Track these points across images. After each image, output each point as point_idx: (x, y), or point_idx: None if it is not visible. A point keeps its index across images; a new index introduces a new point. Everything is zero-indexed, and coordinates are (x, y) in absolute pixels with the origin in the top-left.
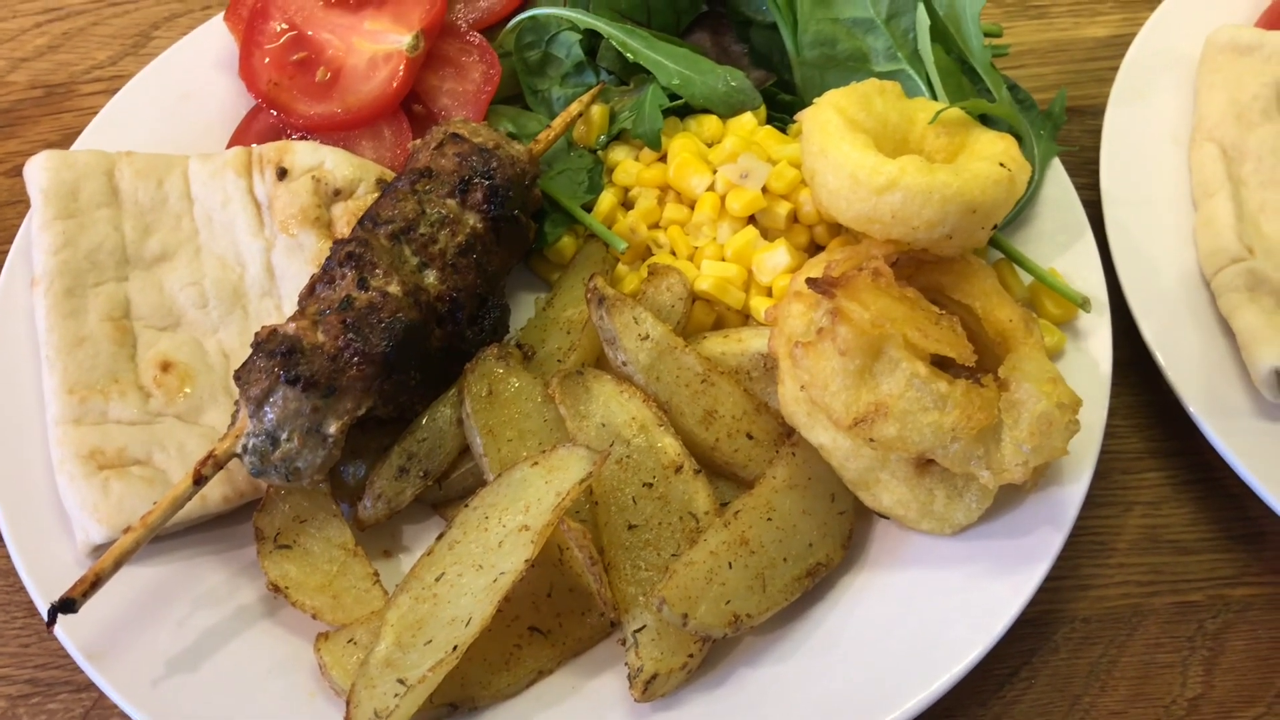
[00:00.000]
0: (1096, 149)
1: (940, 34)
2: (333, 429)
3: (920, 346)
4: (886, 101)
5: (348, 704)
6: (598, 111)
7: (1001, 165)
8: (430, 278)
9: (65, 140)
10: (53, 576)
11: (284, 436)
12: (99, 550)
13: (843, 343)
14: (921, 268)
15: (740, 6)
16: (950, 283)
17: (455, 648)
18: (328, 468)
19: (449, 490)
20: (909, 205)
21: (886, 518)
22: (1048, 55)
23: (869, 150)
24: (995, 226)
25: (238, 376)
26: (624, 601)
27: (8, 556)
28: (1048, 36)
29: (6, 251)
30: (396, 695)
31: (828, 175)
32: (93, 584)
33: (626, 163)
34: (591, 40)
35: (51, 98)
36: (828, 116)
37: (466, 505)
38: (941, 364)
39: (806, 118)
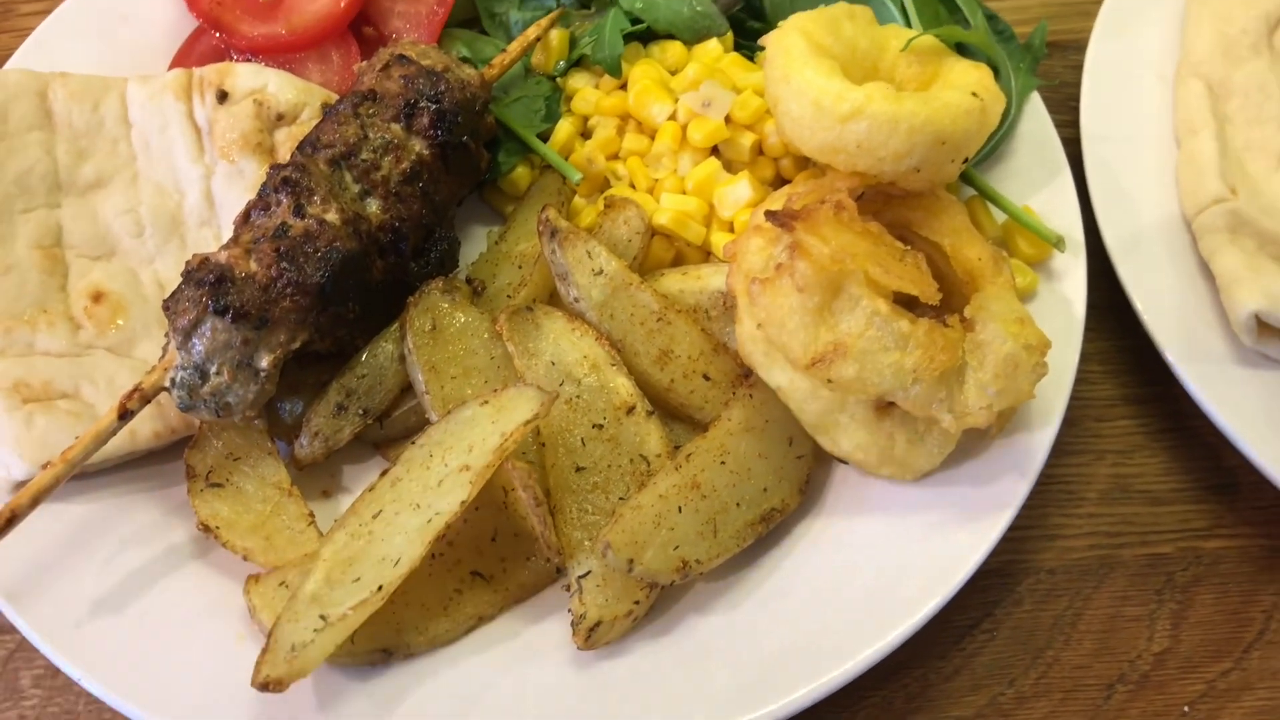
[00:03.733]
0: (1077, 84)
1: None
2: (265, 362)
3: (882, 284)
4: (856, 27)
5: (268, 636)
6: (557, 36)
7: (974, 95)
8: (372, 206)
9: None
10: None
11: (213, 369)
12: (20, 487)
13: (801, 279)
14: (889, 202)
15: None
16: (918, 219)
17: (380, 587)
18: (260, 403)
19: (390, 429)
20: (875, 135)
21: (845, 463)
22: None
23: (834, 76)
24: (967, 160)
25: (166, 307)
26: (569, 546)
27: None
28: None
29: None
30: (315, 630)
31: (791, 102)
32: (8, 520)
33: (585, 90)
34: None
35: None
36: (792, 40)
37: (413, 443)
38: (908, 304)
39: (771, 42)
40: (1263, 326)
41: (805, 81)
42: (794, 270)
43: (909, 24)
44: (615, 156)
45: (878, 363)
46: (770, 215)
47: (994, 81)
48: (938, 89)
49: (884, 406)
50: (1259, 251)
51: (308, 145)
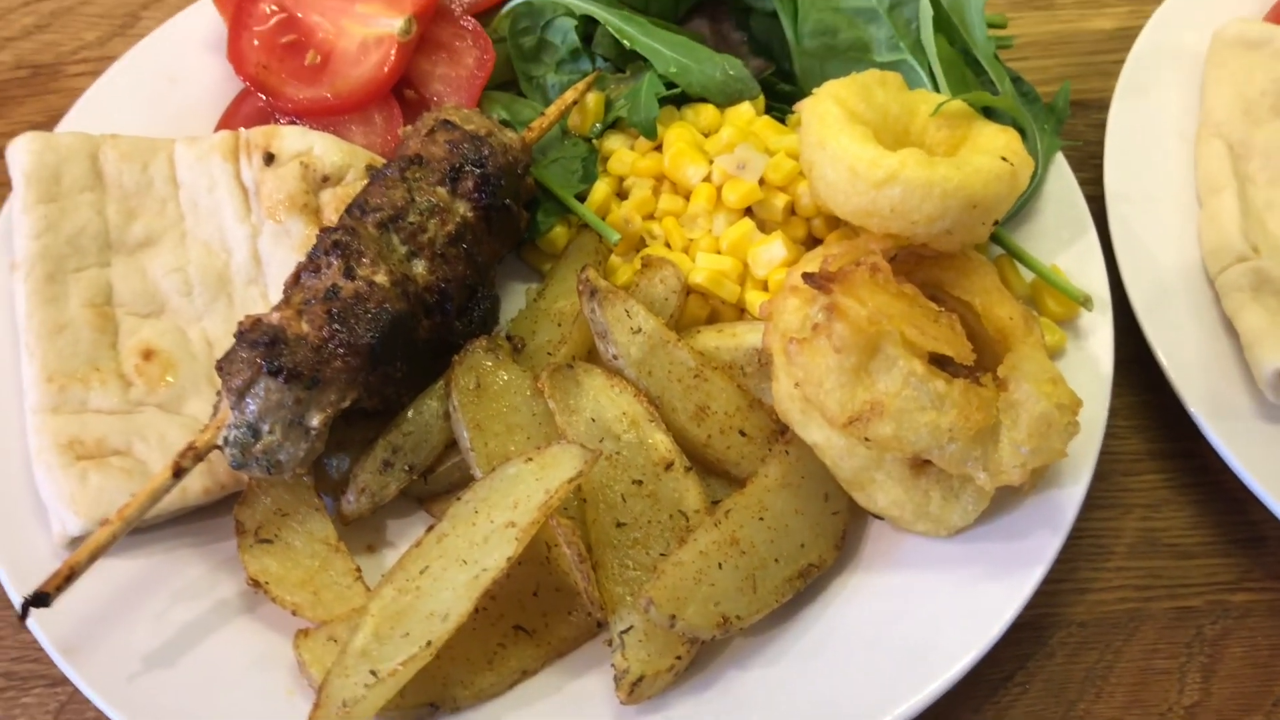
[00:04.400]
0: (1100, 144)
1: (943, 24)
2: (316, 421)
3: (918, 344)
4: (887, 93)
5: (318, 691)
6: (593, 99)
7: (1004, 159)
8: (419, 267)
9: (51, 122)
10: (28, 568)
11: (266, 428)
12: (76, 542)
13: (838, 339)
14: (921, 263)
15: None
16: (950, 279)
17: (429, 643)
18: (310, 460)
19: (434, 485)
20: (909, 199)
21: (881, 518)
22: (1052, 47)
23: (868, 142)
24: (997, 222)
25: (220, 367)
26: (611, 601)
27: None
28: (1053, 28)
29: None
30: (366, 686)
31: (826, 167)
32: (67, 578)
33: (621, 152)
34: (587, 26)
35: (38, 78)
36: (827, 107)
37: (458, 499)
38: (939, 362)
39: (805, 108)
40: None
41: (841, 148)
42: (831, 331)
43: (937, 89)
44: (651, 216)
45: (914, 422)
46: (807, 277)
47: (1022, 145)
48: (967, 153)
49: (919, 464)
50: None
51: (356, 208)
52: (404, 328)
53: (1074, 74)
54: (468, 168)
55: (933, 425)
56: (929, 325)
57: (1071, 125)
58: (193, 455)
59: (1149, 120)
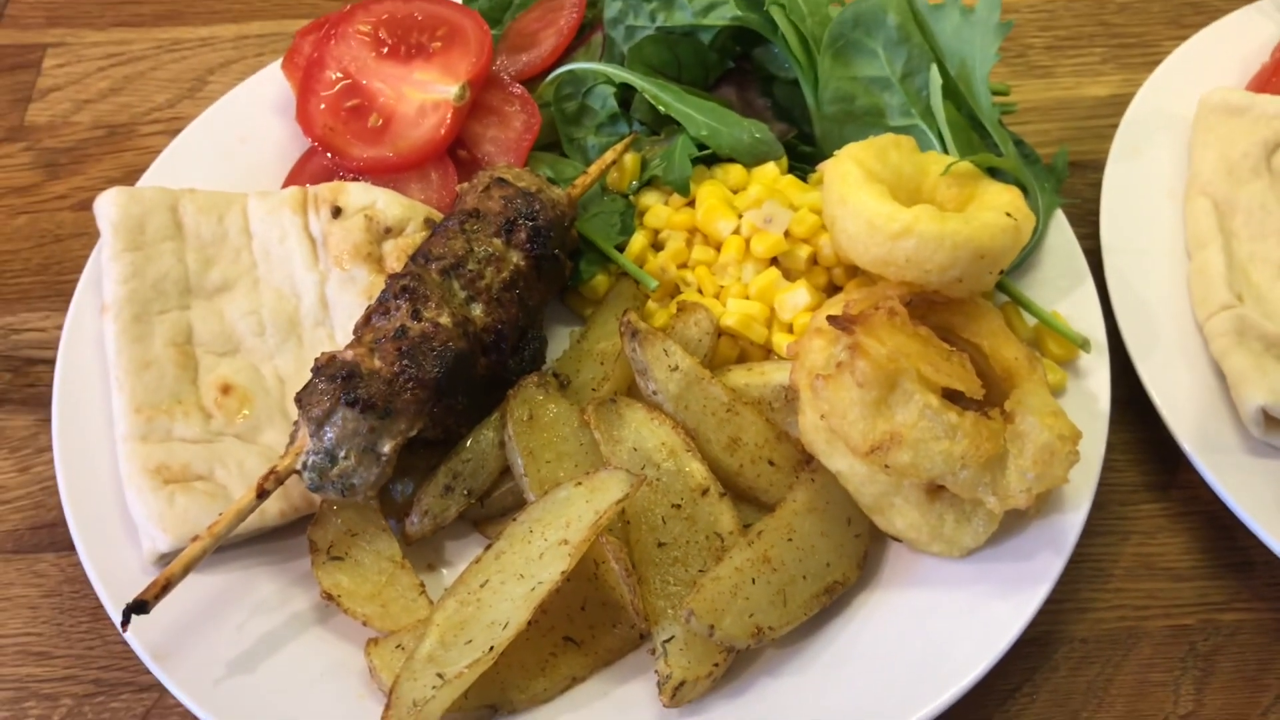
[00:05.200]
0: (1097, 201)
1: (951, 92)
2: (387, 448)
3: (932, 380)
4: (901, 154)
5: (389, 693)
6: (630, 159)
7: (1008, 215)
8: (477, 310)
9: (126, 177)
10: (121, 583)
11: (342, 454)
12: (164, 559)
13: (861, 375)
14: (933, 308)
15: (765, 63)
16: (960, 322)
17: (492, 648)
18: (380, 484)
19: (490, 508)
20: (922, 250)
21: (899, 540)
22: (1051, 113)
23: (885, 199)
24: (1002, 271)
25: (299, 399)
26: (653, 614)
27: (75, 564)
28: (1052, 95)
29: (75, 280)
30: (434, 688)
31: (847, 221)
32: (164, 588)
33: (657, 207)
34: (625, 93)
35: (113, 137)
36: (847, 168)
37: (514, 519)
38: (952, 397)
39: (827, 168)
40: (1270, 420)
41: (860, 204)
42: (854, 368)
43: (947, 151)
44: (685, 266)
45: (930, 450)
46: (832, 320)
47: (1024, 202)
48: (975, 209)
49: (934, 490)
50: (1265, 353)
51: (421, 257)
52: (465, 364)
53: (1072, 137)
54: (520, 220)
55: (946, 453)
56: (942, 363)
57: (1070, 184)
58: (274, 479)
59: (1141, 180)
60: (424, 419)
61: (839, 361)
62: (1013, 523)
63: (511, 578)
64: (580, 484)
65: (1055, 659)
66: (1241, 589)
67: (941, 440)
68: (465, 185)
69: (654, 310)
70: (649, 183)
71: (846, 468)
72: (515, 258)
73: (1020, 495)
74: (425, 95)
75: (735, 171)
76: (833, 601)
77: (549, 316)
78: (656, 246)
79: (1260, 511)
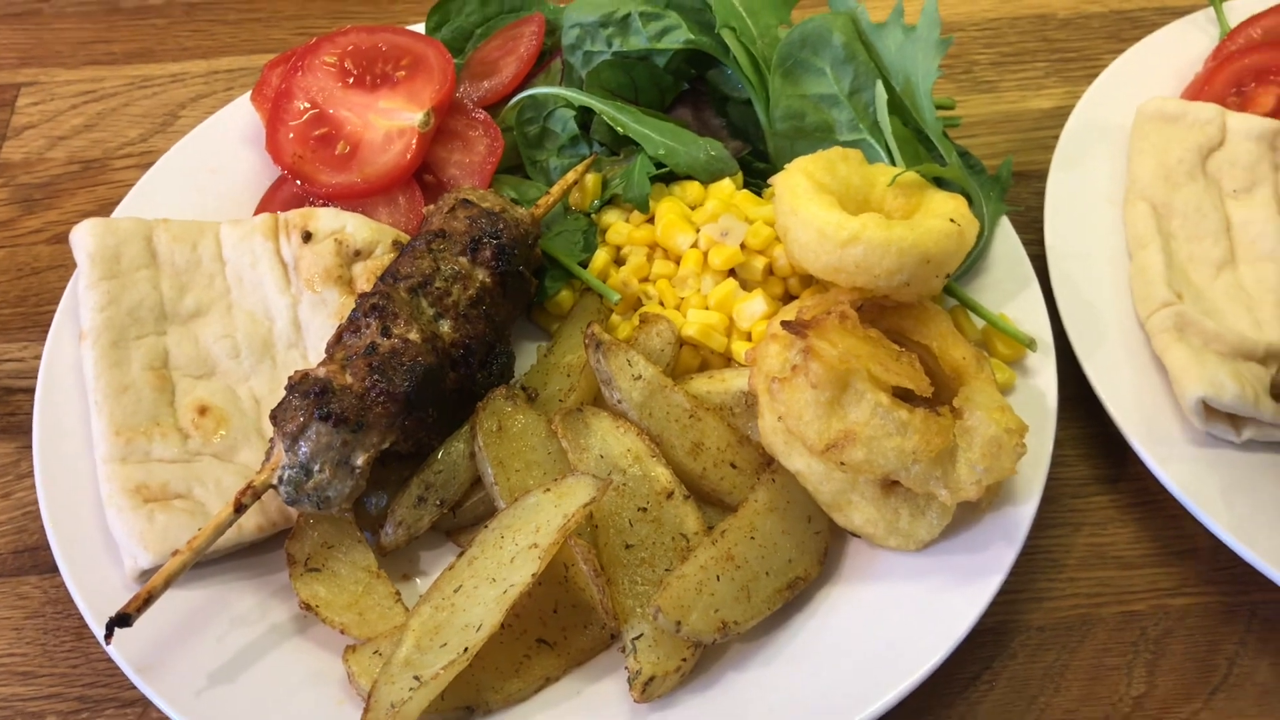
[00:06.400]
0: (1041, 209)
1: (897, 107)
2: (360, 461)
3: (883, 380)
4: (849, 166)
5: (368, 697)
6: (591, 179)
7: (952, 221)
8: (445, 327)
9: (100, 210)
10: (104, 601)
11: (316, 468)
12: (145, 575)
13: (815, 377)
14: (884, 312)
15: (719, 84)
16: (910, 325)
17: (466, 649)
18: (355, 497)
19: (462, 518)
20: (870, 256)
21: (858, 536)
22: (997, 125)
23: (834, 209)
24: (949, 275)
25: (274, 416)
26: (623, 613)
27: (58, 586)
28: (997, 109)
29: (52, 311)
30: (411, 689)
31: (798, 231)
32: (146, 600)
33: (618, 224)
34: (585, 116)
35: (87, 172)
36: (797, 180)
37: (486, 526)
38: (903, 396)
39: (778, 181)
40: (1209, 411)
41: (810, 214)
42: (809, 370)
43: (894, 163)
44: (646, 280)
45: (882, 447)
46: (786, 325)
47: (968, 209)
48: (920, 217)
49: (889, 485)
50: (1204, 348)
51: (390, 276)
52: (434, 378)
53: (1017, 148)
54: (485, 239)
55: (899, 449)
56: (892, 363)
57: (1016, 193)
58: (252, 493)
59: (1082, 187)
60: (395, 432)
61: (794, 365)
62: (967, 516)
63: (484, 582)
64: (549, 490)
65: (1013, 647)
66: (1189, 575)
67: (893, 437)
68: (431, 208)
69: (618, 323)
70: (610, 201)
71: (804, 467)
72: (481, 275)
73: (970, 487)
74: (391, 123)
75: (692, 188)
76: (795, 596)
77: (516, 332)
78: (619, 262)
79: (1204, 499)
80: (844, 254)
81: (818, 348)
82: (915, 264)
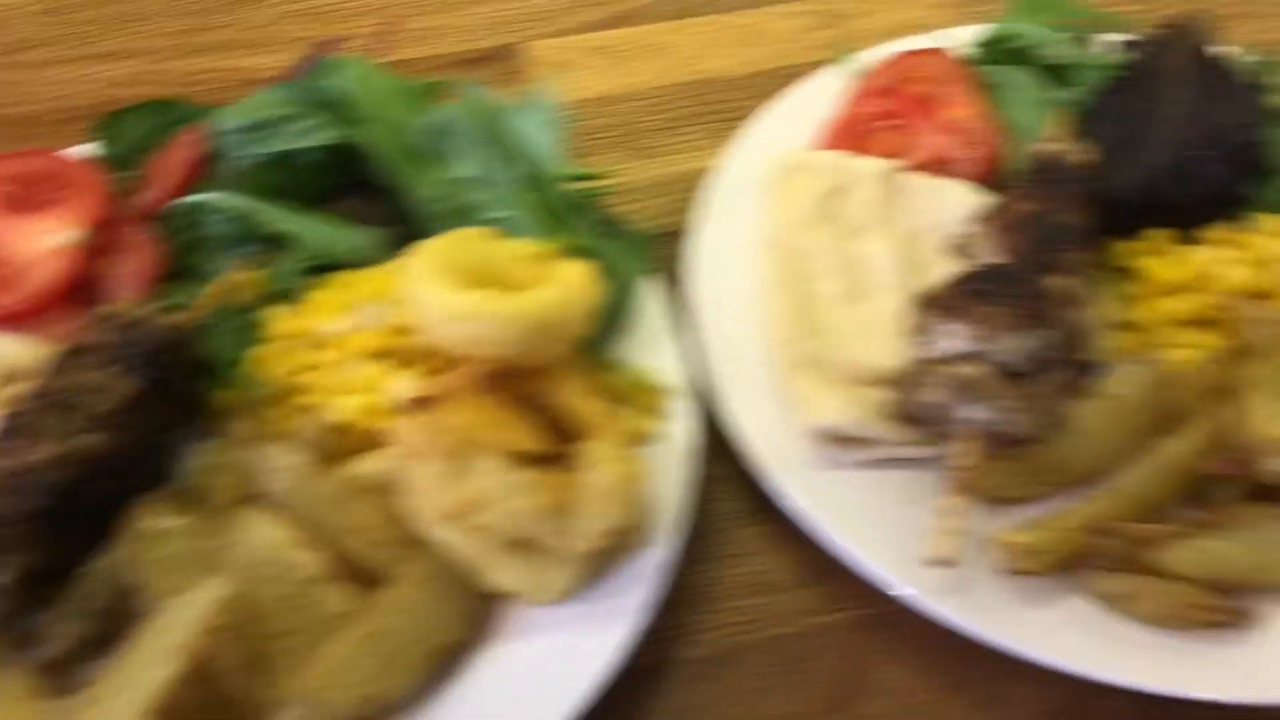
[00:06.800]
0: (685, 265)
1: (535, 183)
2: (5, 580)
3: (505, 444)
4: (477, 244)
5: None
6: (252, 277)
7: (566, 287)
8: (90, 439)
9: None
10: None
11: None
12: None
13: (439, 449)
14: (518, 377)
15: (376, 174)
16: (541, 388)
17: None
18: (4, 618)
19: (116, 625)
20: (485, 329)
21: (507, 595)
22: (657, 189)
23: (448, 288)
24: (579, 338)
25: None
26: (272, 704)
27: None
28: (657, 173)
29: None
30: None
31: (419, 312)
32: None
33: (274, 318)
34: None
35: None
36: (413, 264)
37: (127, 639)
38: (547, 458)
39: (400, 268)
40: (832, 437)
41: (424, 295)
42: (434, 443)
43: (532, 236)
44: (302, 369)
45: (508, 508)
46: (413, 401)
47: (590, 274)
48: (541, 287)
49: (524, 543)
50: (825, 379)
51: (32, 396)
52: (77, 492)
53: (675, 209)
54: (128, 348)
55: (524, 509)
56: (515, 427)
57: (668, 252)
58: None
59: (725, 239)
60: (41, 550)
61: (421, 439)
62: (614, 562)
63: (128, 686)
64: (188, 592)
65: (666, 684)
66: (833, 594)
67: (517, 497)
68: (75, 326)
69: (273, 416)
70: (270, 295)
71: (447, 535)
72: (122, 385)
73: (596, 537)
74: (43, 243)
75: (347, 277)
76: (455, 660)
77: (175, 435)
78: (276, 356)
79: (834, 519)
80: (461, 329)
81: (439, 421)
82: (532, 333)
